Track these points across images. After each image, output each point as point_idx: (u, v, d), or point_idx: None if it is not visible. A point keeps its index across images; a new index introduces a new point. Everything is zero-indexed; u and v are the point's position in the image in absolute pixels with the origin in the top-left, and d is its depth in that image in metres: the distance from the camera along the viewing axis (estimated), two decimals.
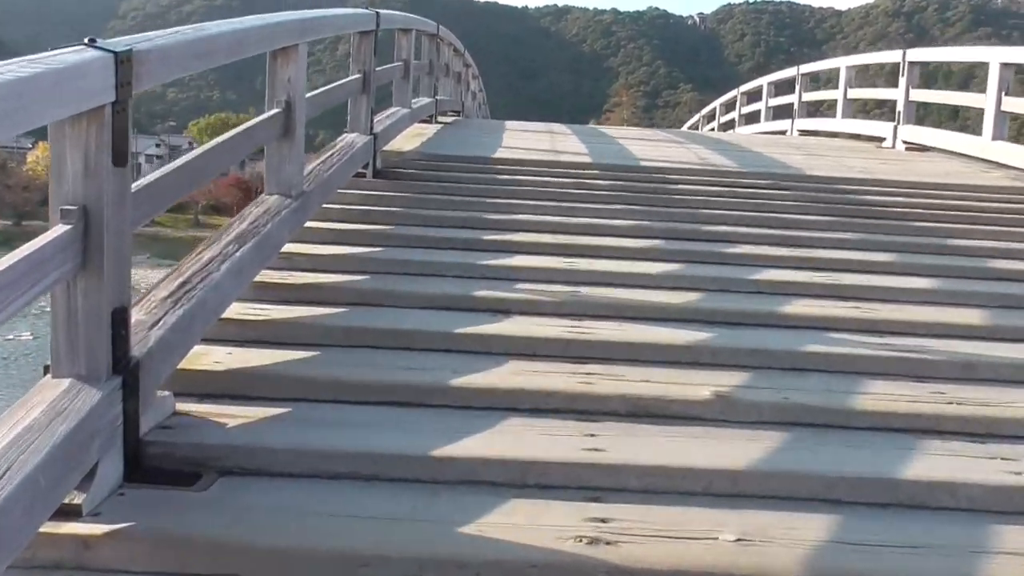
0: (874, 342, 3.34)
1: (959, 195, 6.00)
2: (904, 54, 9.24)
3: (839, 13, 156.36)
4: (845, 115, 10.95)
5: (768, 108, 13.46)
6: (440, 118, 8.98)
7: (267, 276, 3.49)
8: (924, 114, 11.69)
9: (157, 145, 65.92)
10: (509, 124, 9.86)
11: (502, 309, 3.47)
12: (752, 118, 14.66)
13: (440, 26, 8.83)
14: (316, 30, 4.00)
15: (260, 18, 3.38)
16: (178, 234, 54.54)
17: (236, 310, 3.12)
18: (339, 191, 4.77)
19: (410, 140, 6.95)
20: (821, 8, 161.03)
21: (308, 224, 4.05)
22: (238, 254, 2.95)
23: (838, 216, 5.28)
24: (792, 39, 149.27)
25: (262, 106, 3.65)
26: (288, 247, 3.75)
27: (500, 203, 5.10)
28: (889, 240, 4.84)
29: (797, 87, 12.42)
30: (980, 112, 7.68)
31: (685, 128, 20.86)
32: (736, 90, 15.62)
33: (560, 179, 5.78)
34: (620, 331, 3.28)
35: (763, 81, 13.79)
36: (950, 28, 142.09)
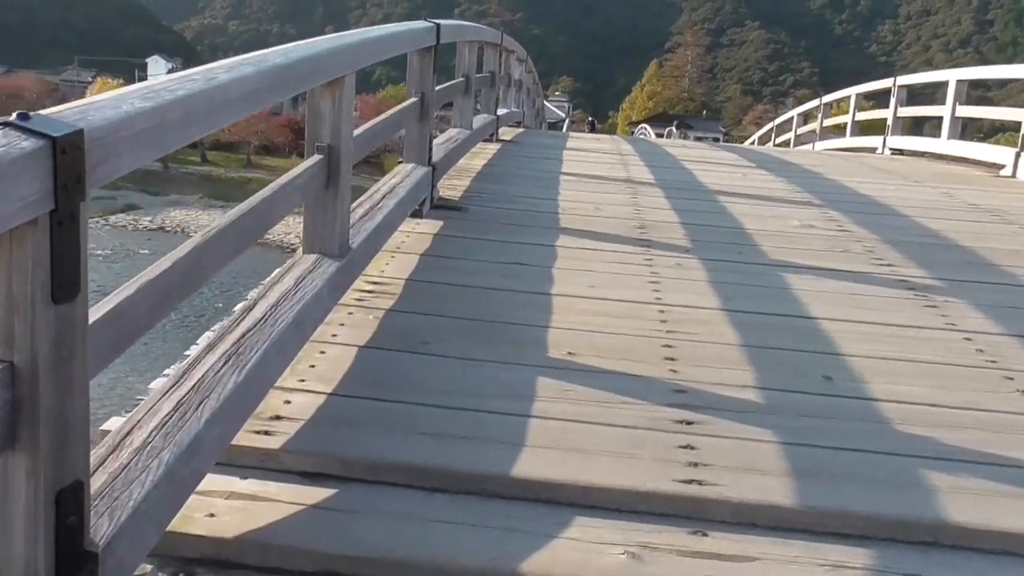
0: None
1: None
2: None
3: None
4: (952, 135, 9.32)
5: (855, 123, 11.81)
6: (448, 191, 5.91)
7: None
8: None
9: (169, 71, 67.81)
10: (564, 190, 6.08)
11: None
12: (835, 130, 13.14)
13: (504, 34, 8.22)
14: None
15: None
16: (230, 175, 53.62)
17: None
18: None
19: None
20: None
21: None
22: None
23: None
24: None
25: None
26: None
27: None
28: None
29: (892, 100, 10.71)
30: None
31: (766, 131, 19.12)
32: (818, 99, 14.38)
33: None
34: None
35: (851, 92, 12.02)
36: None
